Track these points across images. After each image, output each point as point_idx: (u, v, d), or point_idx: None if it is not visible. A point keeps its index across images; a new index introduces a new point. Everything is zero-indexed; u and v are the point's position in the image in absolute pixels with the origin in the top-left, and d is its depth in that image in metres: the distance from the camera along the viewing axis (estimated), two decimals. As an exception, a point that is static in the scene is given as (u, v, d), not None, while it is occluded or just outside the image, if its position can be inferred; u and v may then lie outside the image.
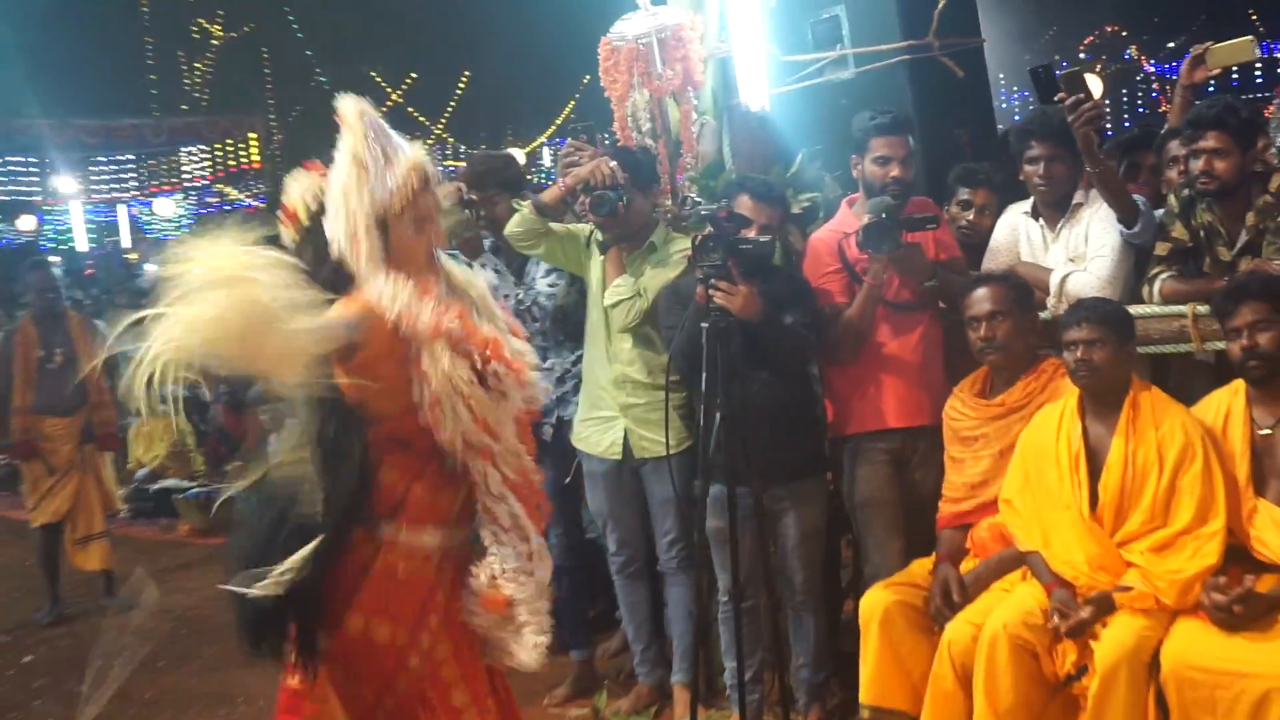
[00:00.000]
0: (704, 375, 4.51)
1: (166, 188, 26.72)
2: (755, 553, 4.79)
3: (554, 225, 5.22)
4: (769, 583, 4.90)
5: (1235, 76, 16.23)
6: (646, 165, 5.23)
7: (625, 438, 5.18)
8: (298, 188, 3.36)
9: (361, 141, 3.22)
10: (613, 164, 5.03)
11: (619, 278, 5.09)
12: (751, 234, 4.68)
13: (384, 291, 3.17)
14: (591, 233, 5.22)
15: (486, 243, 5.80)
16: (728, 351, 4.47)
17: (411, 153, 3.30)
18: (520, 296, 5.58)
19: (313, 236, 3.28)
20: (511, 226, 5.24)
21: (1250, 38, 5.27)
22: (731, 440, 4.52)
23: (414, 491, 3.27)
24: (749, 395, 4.67)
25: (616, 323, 5.13)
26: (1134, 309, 4.47)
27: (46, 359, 7.57)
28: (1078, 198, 4.84)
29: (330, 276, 3.21)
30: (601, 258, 5.14)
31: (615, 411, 5.20)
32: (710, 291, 4.46)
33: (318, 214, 3.28)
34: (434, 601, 3.27)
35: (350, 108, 3.25)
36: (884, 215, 4.63)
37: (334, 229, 3.22)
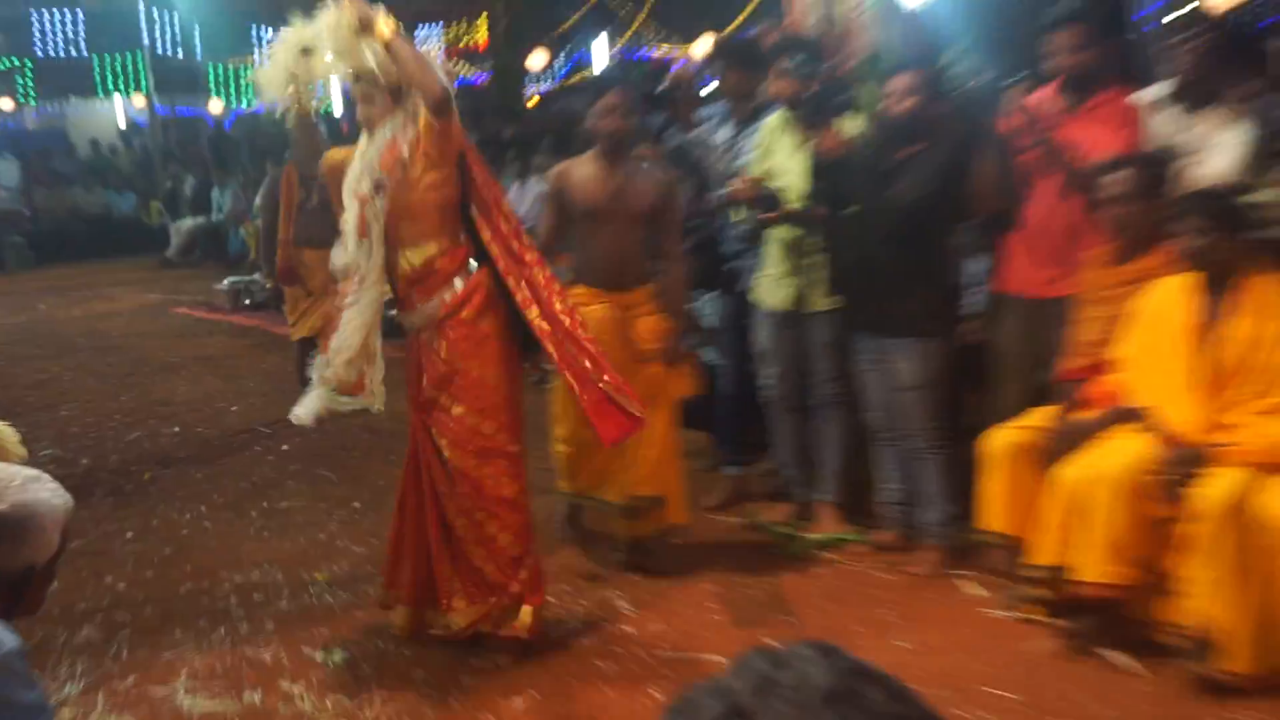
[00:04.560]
0: (811, 207, 4.88)
1: (410, 62, 27.11)
2: (881, 395, 4.89)
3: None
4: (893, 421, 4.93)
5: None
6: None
7: (795, 292, 5.16)
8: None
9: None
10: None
11: None
12: (902, 105, 4.67)
13: None
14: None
15: (717, 107, 5.89)
16: (831, 187, 4.78)
17: None
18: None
19: None
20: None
21: None
22: (841, 275, 4.82)
23: None
24: (867, 251, 4.68)
25: None
26: (1256, 196, 4.21)
27: (306, 199, 7.57)
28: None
29: None
30: (788, 139, 5.09)
31: (788, 270, 5.17)
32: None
33: None
34: None
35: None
36: None
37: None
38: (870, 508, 5.15)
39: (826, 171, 4.72)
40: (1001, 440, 4.37)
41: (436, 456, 4.18)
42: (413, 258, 4.10)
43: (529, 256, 4.13)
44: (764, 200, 5.06)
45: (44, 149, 23.11)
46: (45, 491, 2.30)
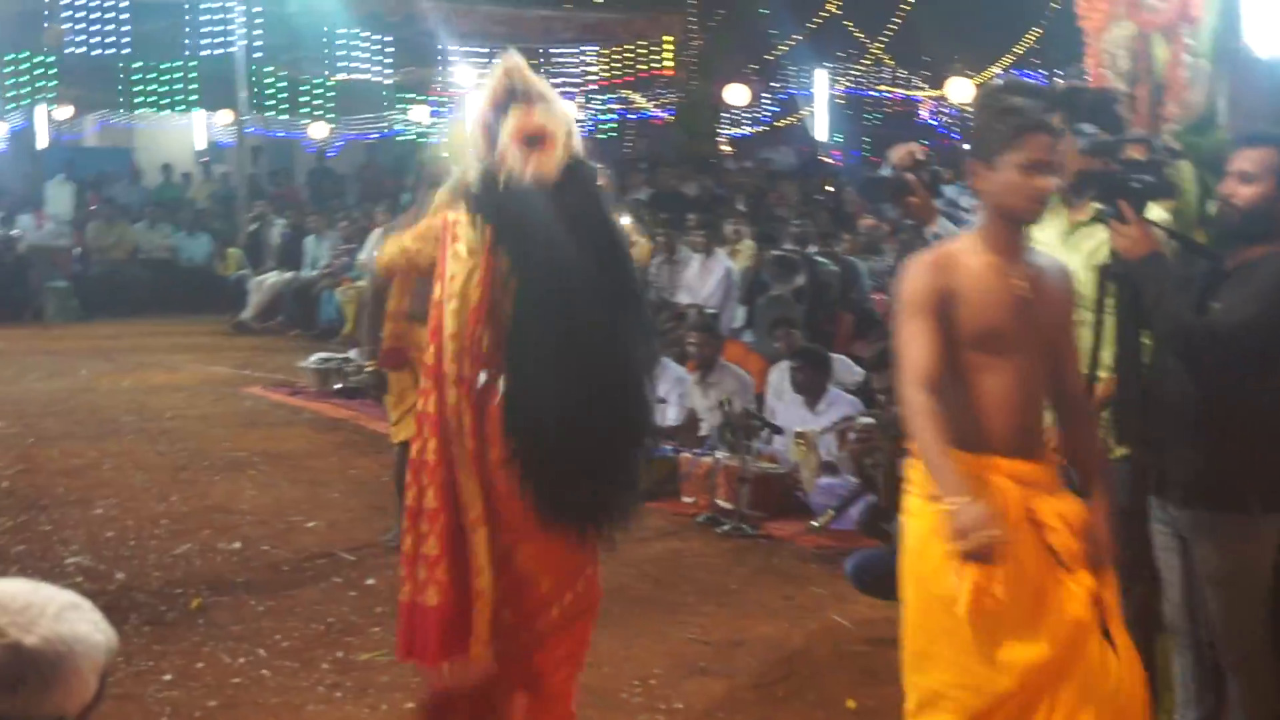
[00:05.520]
0: (1094, 323, 4.71)
1: (567, 89, 27.19)
2: (1180, 583, 4.76)
3: None
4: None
5: None
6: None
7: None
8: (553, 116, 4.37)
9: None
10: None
11: None
12: (1248, 190, 4.51)
13: None
14: None
15: None
16: (1127, 297, 4.59)
17: None
18: None
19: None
20: None
21: None
22: (1131, 417, 4.65)
23: None
24: (1170, 387, 4.62)
25: None
26: None
27: (428, 260, 7.62)
28: None
29: None
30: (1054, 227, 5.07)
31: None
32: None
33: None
34: None
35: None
36: None
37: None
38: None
39: (1121, 277, 4.63)
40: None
41: None
42: None
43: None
44: None
45: (104, 173, 24.13)
46: (85, 624, 2.36)
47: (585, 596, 4.45)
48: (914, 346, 4.02)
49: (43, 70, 22.36)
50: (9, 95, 22.52)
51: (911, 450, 4.05)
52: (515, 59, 4.47)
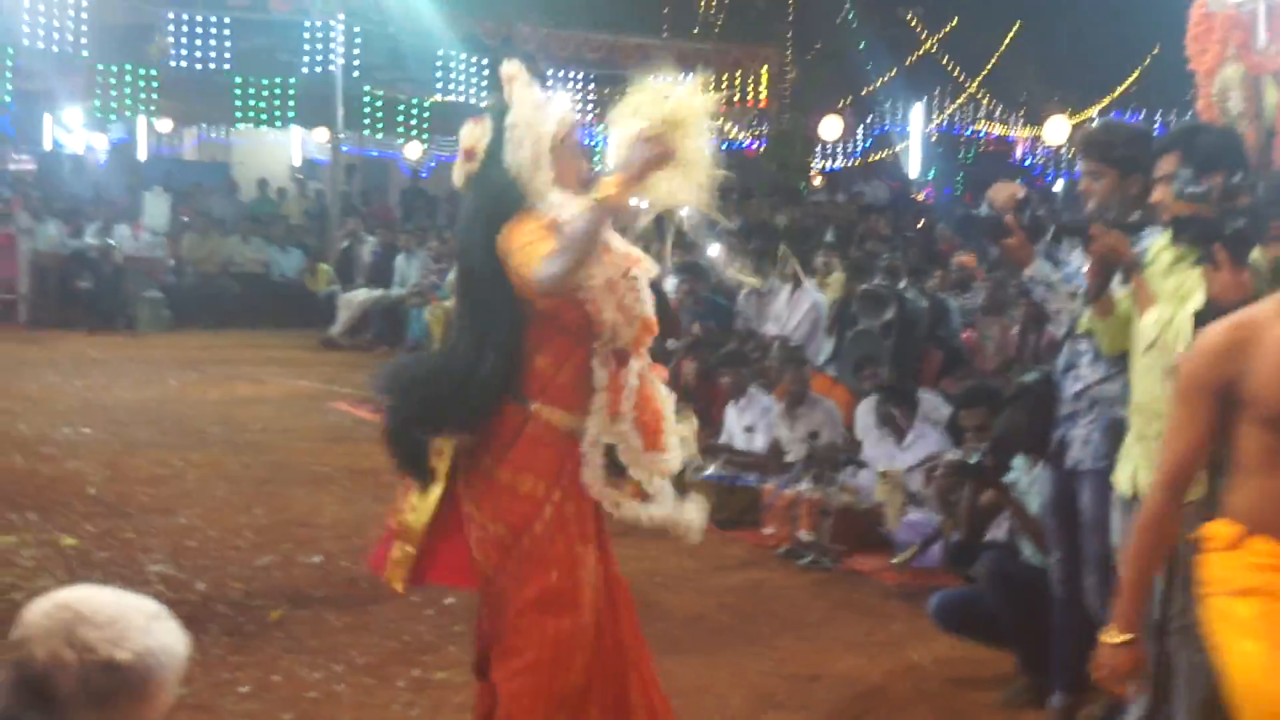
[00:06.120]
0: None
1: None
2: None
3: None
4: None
5: None
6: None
7: (1137, 473, 4.98)
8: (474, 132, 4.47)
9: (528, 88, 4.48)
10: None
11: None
12: None
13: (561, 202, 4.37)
14: None
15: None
16: None
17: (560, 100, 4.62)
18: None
19: (489, 170, 4.41)
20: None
21: None
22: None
23: (560, 377, 4.42)
24: None
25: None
26: None
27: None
28: None
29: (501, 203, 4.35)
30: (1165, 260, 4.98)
31: (1133, 440, 5.03)
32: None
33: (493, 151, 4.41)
34: (566, 468, 4.43)
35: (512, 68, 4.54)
36: None
37: (517, 157, 4.36)
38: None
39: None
40: None
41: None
42: None
43: None
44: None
45: (199, 185, 24.49)
46: (168, 634, 2.36)
47: (555, 602, 4.41)
48: (1176, 438, 3.66)
49: (145, 83, 22.67)
50: (112, 106, 22.89)
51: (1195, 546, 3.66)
52: (512, 67, 4.62)
